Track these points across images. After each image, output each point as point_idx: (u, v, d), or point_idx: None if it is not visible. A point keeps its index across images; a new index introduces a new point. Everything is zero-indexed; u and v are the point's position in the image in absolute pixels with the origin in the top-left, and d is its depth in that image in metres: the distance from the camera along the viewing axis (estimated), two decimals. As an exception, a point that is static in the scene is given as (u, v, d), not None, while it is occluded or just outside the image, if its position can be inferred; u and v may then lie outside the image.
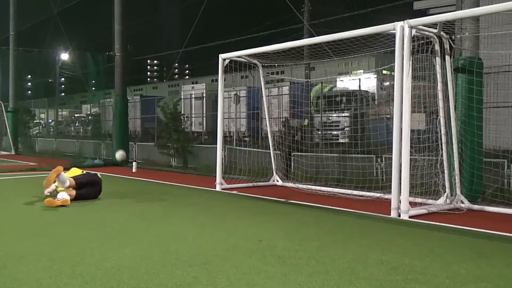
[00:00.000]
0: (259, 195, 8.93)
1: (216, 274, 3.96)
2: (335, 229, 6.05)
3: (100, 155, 17.50)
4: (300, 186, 9.88)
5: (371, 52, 9.23)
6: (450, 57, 7.76)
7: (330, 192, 9.08)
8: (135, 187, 10.35)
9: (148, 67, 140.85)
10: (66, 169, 8.35)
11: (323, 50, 9.22)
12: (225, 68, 10.09)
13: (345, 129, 16.45)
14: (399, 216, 6.73)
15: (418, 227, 6.14)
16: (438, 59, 7.68)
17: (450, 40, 7.69)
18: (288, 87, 19.19)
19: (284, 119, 13.10)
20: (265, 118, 11.83)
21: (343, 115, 16.57)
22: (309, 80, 20.36)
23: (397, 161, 6.80)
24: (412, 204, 6.94)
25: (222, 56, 9.98)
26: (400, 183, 6.75)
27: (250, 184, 10.27)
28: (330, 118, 16.66)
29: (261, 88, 11.37)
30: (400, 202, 6.75)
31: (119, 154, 11.61)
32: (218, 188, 9.75)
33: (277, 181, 10.55)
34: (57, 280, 3.79)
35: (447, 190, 7.59)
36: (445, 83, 7.76)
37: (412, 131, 7.15)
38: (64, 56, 27.12)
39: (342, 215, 7.06)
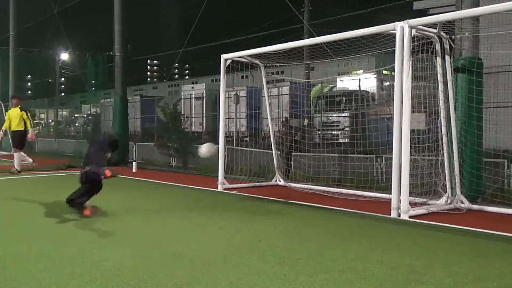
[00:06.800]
0: (259, 195, 8.92)
1: (216, 274, 3.96)
2: (335, 229, 6.05)
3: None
4: (301, 186, 9.88)
5: (371, 52, 9.23)
6: (450, 57, 7.76)
7: (330, 192, 9.08)
8: (135, 187, 10.35)
9: (148, 67, 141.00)
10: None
11: (323, 50, 9.22)
12: (226, 68, 10.08)
13: (345, 129, 16.44)
14: (399, 216, 6.73)
15: (418, 227, 6.14)
16: (438, 59, 7.68)
17: (450, 40, 7.68)
18: (288, 87, 19.20)
19: (284, 119, 13.11)
20: (266, 118, 11.83)
21: (343, 115, 16.57)
22: (309, 80, 20.37)
23: (397, 161, 6.80)
24: (412, 204, 6.94)
25: (224, 56, 9.97)
26: (400, 183, 6.74)
27: (252, 184, 10.26)
28: (330, 118, 16.65)
29: (262, 88, 11.37)
30: (400, 202, 6.75)
31: (207, 148, 7.74)
32: (220, 188, 9.74)
33: (279, 181, 10.54)
34: (57, 280, 3.79)
35: (448, 190, 7.59)
36: (445, 83, 7.76)
37: (412, 131, 7.15)
38: (64, 56, 27.16)
39: (342, 215, 7.06)
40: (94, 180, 6.39)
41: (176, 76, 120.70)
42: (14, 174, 12.34)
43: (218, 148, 7.75)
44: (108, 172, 6.16)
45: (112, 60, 16.83)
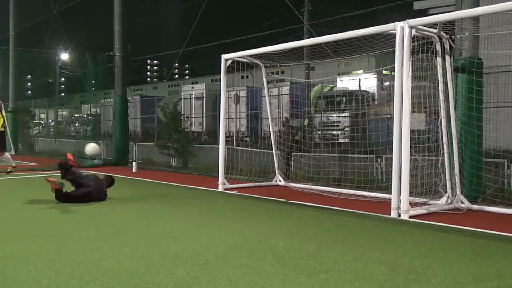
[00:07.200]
0: (259, 195, 8.93)
1: (216, 274, 3.96)
2: (335, 229, 6.05)
3: (99, 155, 17.48)
4: (301, 186, 9.88)
5: (371, 52, 9.23)
6: (450, 57, 7.76)
7: (330, 192, 9.08)
8: (135, 187, 10.35)
9: (148, 67, 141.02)
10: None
11: (323, 50, 9.22)
12: (227, 68, 10.07)
13: (345, 129, 16.45)
14: (399, 216, 6.73)
15: (418, 227, 6.14)
16: (438, 59, 7.68)
17: (450, 40, 7.69)
18: (288, 87, 19.21)
19: (284, 119, 13.11)
20: (266, 118, 11.83)
21: (343, 115, 16.57)
22: (309, 80, 20.36)
23: (397, 161, 6.80)
24: (412, 204, 6.94)
25: (224, 56, 9.97)
26: (400, 183, 6.75)
27: (252, 184, 10.26)
28: (330, 118, 16.65)
29: (263, 88, 11.36)
30: (400, 202, 6.76)
31: (91, 148, 9.56)
32: (220, 188, 9.74)
33: (280, 181, 10.54)
34: (57, 280, 3.79)
35: (448, 190, 7.59)
36: (445, 83, 7.76)
37: (412, 131, 7.15)
38: (64, 56, 27.13)
39: (342, 215, 7.06)
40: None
41: (176, 76, 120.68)
42: (11, 173, 12.34)
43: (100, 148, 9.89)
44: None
45: (112, 60, 16.83)
